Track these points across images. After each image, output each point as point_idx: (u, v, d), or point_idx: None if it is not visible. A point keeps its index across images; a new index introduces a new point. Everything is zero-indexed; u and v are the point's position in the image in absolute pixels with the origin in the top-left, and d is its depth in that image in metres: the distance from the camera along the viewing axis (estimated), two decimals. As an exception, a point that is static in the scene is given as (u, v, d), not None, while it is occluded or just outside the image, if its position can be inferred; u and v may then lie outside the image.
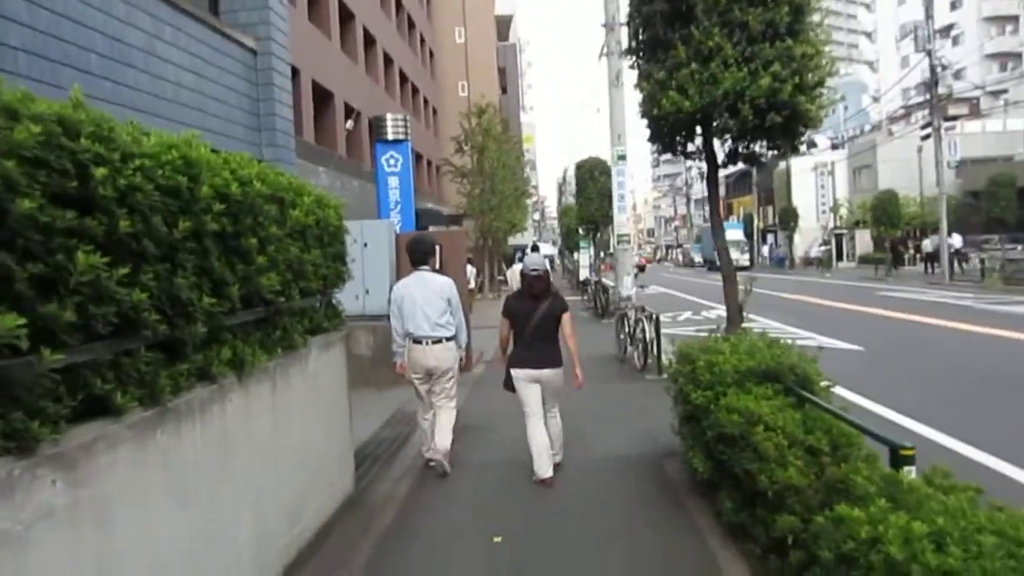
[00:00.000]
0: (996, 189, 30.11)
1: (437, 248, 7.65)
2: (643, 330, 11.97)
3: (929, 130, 30.83)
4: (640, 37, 6.20)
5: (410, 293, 6.81)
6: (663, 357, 11.64)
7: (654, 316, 11.79)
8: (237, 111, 11.37)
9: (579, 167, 23.32)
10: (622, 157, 13.59)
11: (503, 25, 58.80)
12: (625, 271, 13.70)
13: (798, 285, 33.34)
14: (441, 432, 6.79)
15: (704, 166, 7.27)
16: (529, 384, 6.40)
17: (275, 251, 4.32)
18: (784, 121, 5.66)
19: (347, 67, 25.72)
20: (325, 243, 5.48)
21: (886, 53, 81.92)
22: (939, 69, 29.56)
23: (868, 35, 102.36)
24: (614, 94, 13.58)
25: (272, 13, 12.11)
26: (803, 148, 6.11)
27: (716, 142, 6.37)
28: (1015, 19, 65.44)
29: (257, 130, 11.99)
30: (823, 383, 5.39)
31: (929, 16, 29.89)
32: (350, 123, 19.33)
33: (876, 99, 79.57)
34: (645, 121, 6.62)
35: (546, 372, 6.37)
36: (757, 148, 6.29)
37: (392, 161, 14.33)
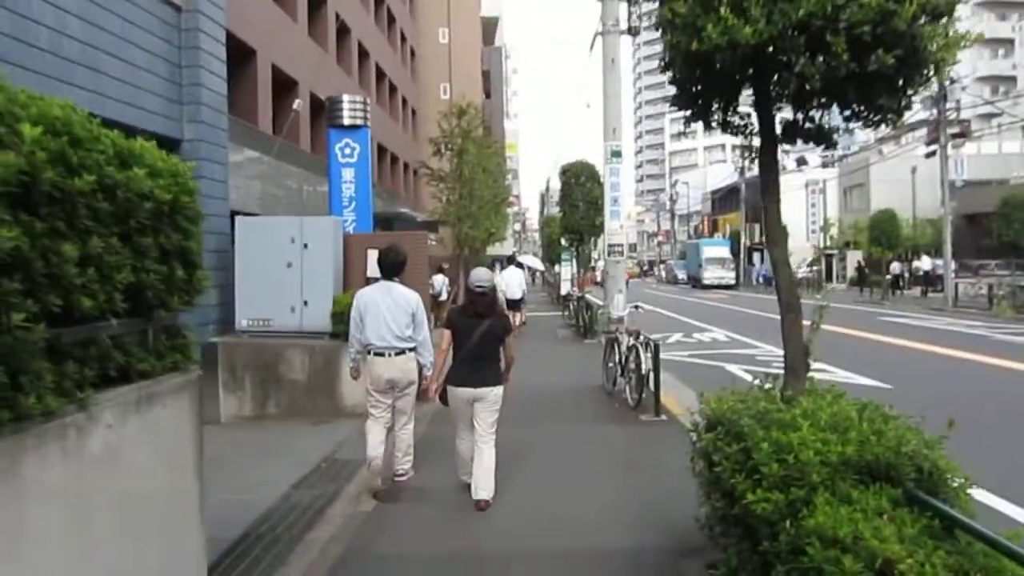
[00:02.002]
0: (1009, 211, 28.35)
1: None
2: (637, 360, 9.90)
3: (933, 147, 29.02)
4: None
5: (374, 302, 6.56)
6: (662, 394, 9.56)
7: (652, 344, 9.72)
8: (147, 75, 9.22)
9: (564, 171, 21.30)
10: (616, 154, 11.56)
11: (489, 28, 56.79)
12: (617, 287, 11.62)
13: (792, 307, 31.35)
14: (398, 458, 6.67)
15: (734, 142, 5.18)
16: (464, 403, 6.26)
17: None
18: (896, 64, 3.59)
19: (316, 55, 23.57)
20: (141, 229, 3.32)
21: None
22: (947, 83, 27.79)
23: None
24: (609, 80, 11.55)
25: (202, -38, 10.00)
26: (886, 126, 4.03)
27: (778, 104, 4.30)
28: (1009, 42, 64.38)
29: (177, 103, 9.84)
30: (960, 480, 3.34)
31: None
32: (299, 102, 17.09)
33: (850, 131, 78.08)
34: (668, 75, 4.52)
35: (482, 391, 6.20)
36: (837, 113, 4.24)
37: (348, 150, 12.21)
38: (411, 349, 6.52)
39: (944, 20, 3.68)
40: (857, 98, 3.94)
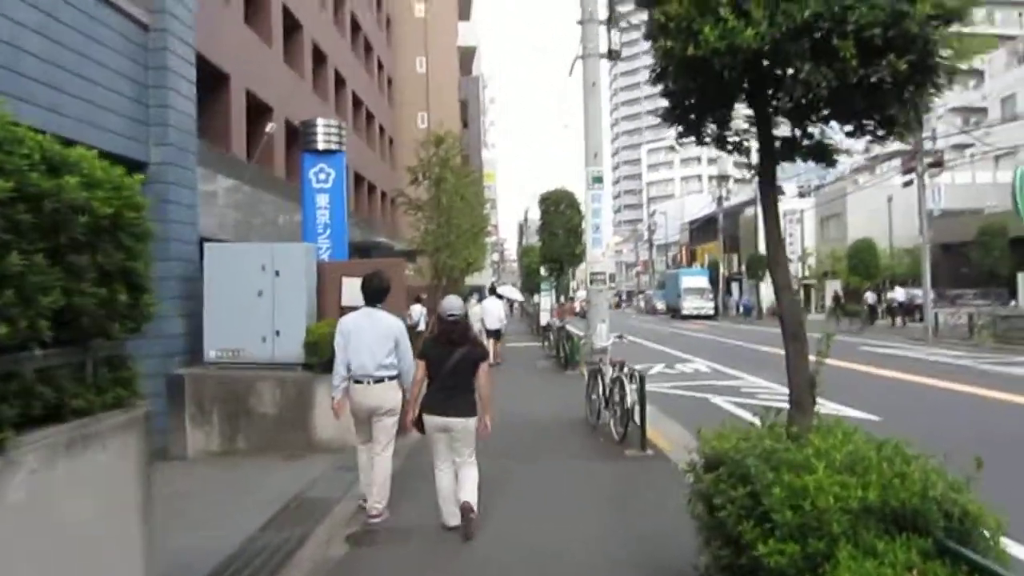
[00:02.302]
0: (988, 239, 28.39)
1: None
2: (622, 392, 9.55)
3: (910, 177, 29.10)
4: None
5: (358, 328, 6.55)
6: (648, 428, 9.21)
7: (637, 375, 9.38)
8: (113, 96, 8.84)
9: (544, 200, 21.02)
10: (598, 179, 11.28)
11: (466, 57, 56.89)
12: (600, 317, 11.29)
13: (773, 337, 31.17)
14: (377, 481, 6.45)
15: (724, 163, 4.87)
16: (438, 431, 6.18)
17: None
18: (909, 70, 3.30)
19: (291, 81, 23.29)
20: (75, 246, 2.91)
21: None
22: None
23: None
24: (590, 104, 11.31)
25: (171, -19, 9.68)
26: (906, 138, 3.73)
27: (776, 119, 3.98)
28: (980, 73, 65.31)
29: (143, 124, 9.46)
30: (992, 528, 3.02)
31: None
32: (272, 125, 16.72)
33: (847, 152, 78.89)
34: (660, 87, 4.22)
35: (455, 421, 6.10)
36: (837, 129, 3.94)
37: (322, 175, 11.84)
38: (392, 377, 6.50)
39: (956, 25, 3.40)
40: (865, 108, 3.63)
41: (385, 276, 7.01)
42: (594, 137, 11.21)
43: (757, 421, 4.41)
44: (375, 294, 6.70)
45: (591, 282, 11.32)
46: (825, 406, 12.05)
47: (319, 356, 9.28)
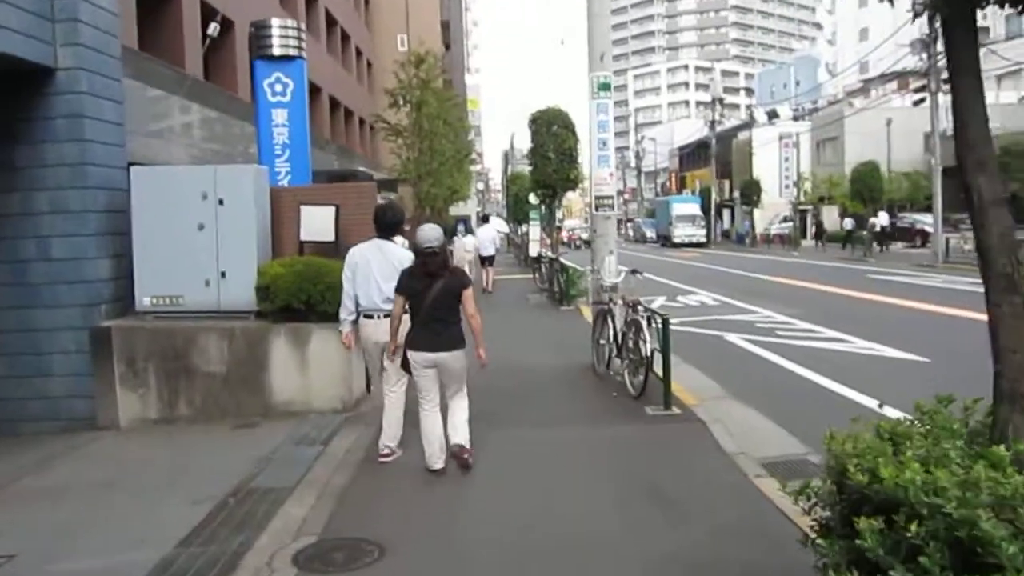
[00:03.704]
0: (1009, 160, 26.60)
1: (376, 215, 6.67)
2: (639, 337, 8.00)
3: (922, 95, 27.30)
4: None
5: (365, 260, 6.38)
6: (672, 381, 7.69)
7: (658, 319, 7.81)
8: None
9: (534, 120, 19.14)
10: (605, 87, 9.53)
11: (447, -25, 53.97)
12: (607, 247, 9.66)
13: (775, 265, 29.75)
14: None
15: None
16: (425, 368, 5.92)
17: None
18: None
19: (254, -7, 21.10)
20: None
21: (844, 23, 78.88)
22: (937, 24, 25.99)
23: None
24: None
25: None
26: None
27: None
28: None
29: (48, 19, 7.62)
30: None
31: (928, -37, 26.24)
32: (214, 26, 14.59)
33: (832, 73, 76.76)
34: None
35: (443, 355, 5.86)
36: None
37: (279, 87, 10.01)
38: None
39: None
40: None
41: (399, 207, 6.95)
42: (599, 36, 9.44)
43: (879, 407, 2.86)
44: (389, 226, 6.54)
45: (596, 207, 9.68)
46: (856, 344, 10.61)
47: (274, 302, 7.66)
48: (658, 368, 7.78)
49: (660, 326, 7.71)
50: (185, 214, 7.90)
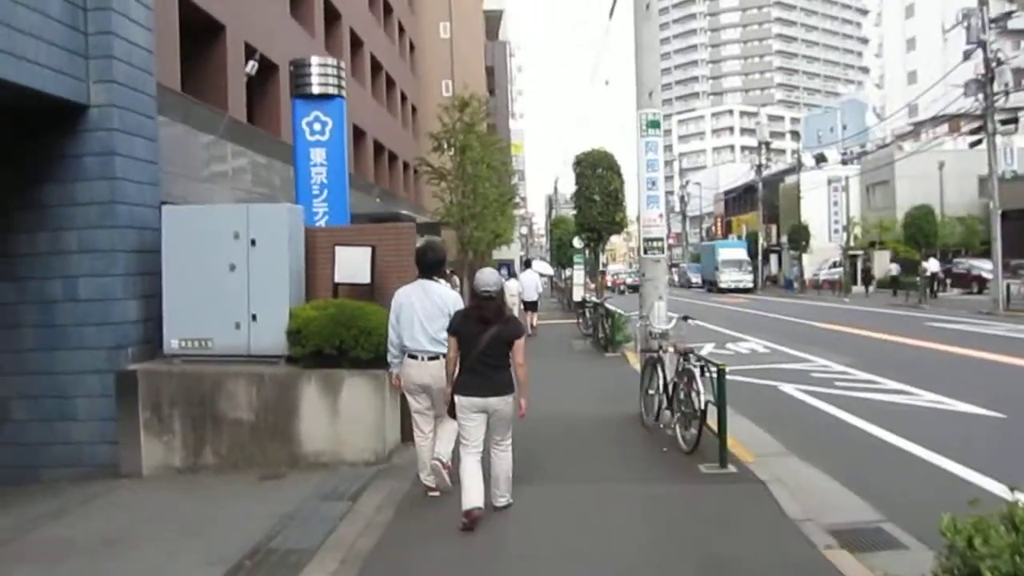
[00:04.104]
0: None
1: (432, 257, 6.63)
2: (691, 388, 7.46)
3: (979, 136, 26.51)
4: None
5: (410, 302, 6.29)
6: (728, 437, 7.12)
7: (713, 369, 7.28)
8: (37, 17, 6.83)
9: (579, 162, 18.81)
10: (654, 124, 9.12)
11: (492, 22, 54.34)
12: (657, 293, 9.17)
13: (826, 312, 28.85)
14: (442, 440, 6.27)
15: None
16: (473, 414, 5.73)
17: None
18: None
19: (298, 37, 21.23)
20: None
21: (892, 67, 78.06)
22: (994, 64, 25.33)
23: (866, 43, 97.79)
24: (643, 29, 9.15)
25: None
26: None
27: None
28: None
29: (82, 56, 7.46)
30: None
31: (983, 2, 25.66)
32: (252, 63, 14.45)
33: (880, 117, 75.81)
34: None
35: (493, 400, 5.71)
36: None
37: (317, 126, 9.78)
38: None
39: None
40: None
41: (440, 247, 6.95)
42: (649, 71, 9.08)
43: (1010, 491, 2.34)
44: (430, 266, 6.51)
45: (645, 250, 9.21)
46: (921, 396, 9.91)
47: (305, 347, 7.29)
48: (711, 421, 7.24)
49: (715, 376, 7.17)
50: (216, 254, 7.62)
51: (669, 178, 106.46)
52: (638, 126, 9.17)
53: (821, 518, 5.73)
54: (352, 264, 7.85)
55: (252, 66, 14.34)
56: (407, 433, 8.03)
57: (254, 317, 7.62)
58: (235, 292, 7.62)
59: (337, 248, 7.86)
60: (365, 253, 7.83)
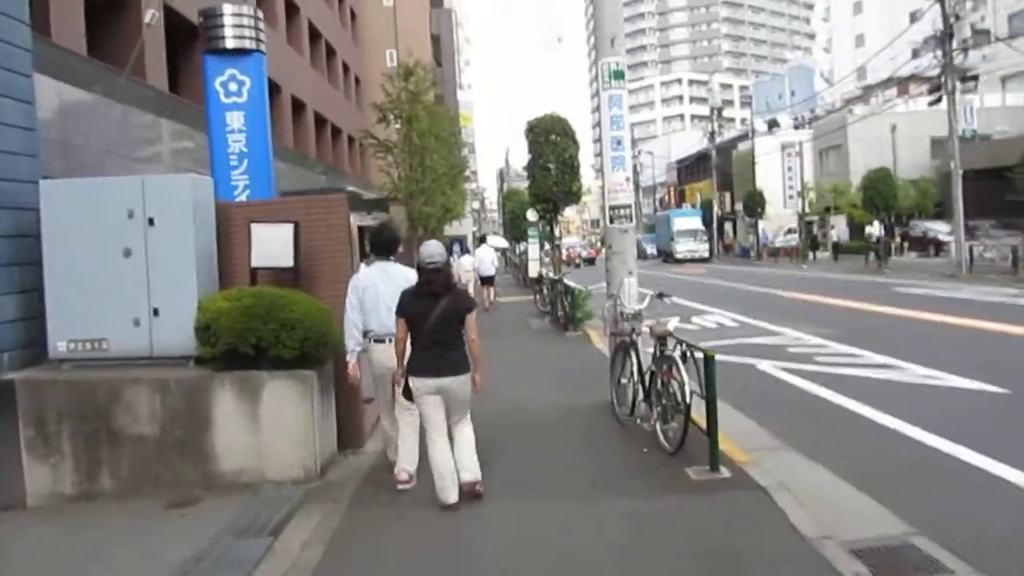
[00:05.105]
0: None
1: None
2: (672, 376, 6.45)
3: (939, 95, 25.93)
4: None
5: (373, 284, 6.13)
6: (719, 434, 6.11)
7: (694, 355, 6.27)
8: None
9: (531, 128, 17.66)
10: (618, 74, 8.02)
11: (437, -11, 52.78)
12: (626, 267, 8.12)
13: (788, 280, 28.21)
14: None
15: None
16: (429, 395, 5.56)
17: None
18: None
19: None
20: None
21: (839, 31, 77.90)
22: (952, 19, 24.68)
23: (812, 8, 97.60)
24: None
25: None
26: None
27: None
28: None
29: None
30: None
31: (941, -43, 24.93)
32: (153, 12, 12.92)
33: (829, 81, 75.69)
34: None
35: (447, 380, 5.53)
36: None
37: (233, 86, 8.52)
38: None
39: None
40: None
41: (395, 227, 6.85)
42: (609, 16, 8.00)
43: None
44: (385, 246, 6.37)
45: (611, 219, 8.15)
46: (911, 371, 8.88)
47: (216, 345, 6.10)
48: (697, 416, 6.24)
49: (701, 363, 6.16)
50: (108, 237, 6.37)
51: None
52: (600, 78, 8.06)
53: (839, 534, 4.76)
54: (272, 244, 6.64)
55: (152, 15, 12.85)
56: (345, 440, 6.97)
57: (156, 311, 6.39)
58: (132, 282, 6.38)
59: (253, 226, 6.64)
60: (287, 231, 6.64)
